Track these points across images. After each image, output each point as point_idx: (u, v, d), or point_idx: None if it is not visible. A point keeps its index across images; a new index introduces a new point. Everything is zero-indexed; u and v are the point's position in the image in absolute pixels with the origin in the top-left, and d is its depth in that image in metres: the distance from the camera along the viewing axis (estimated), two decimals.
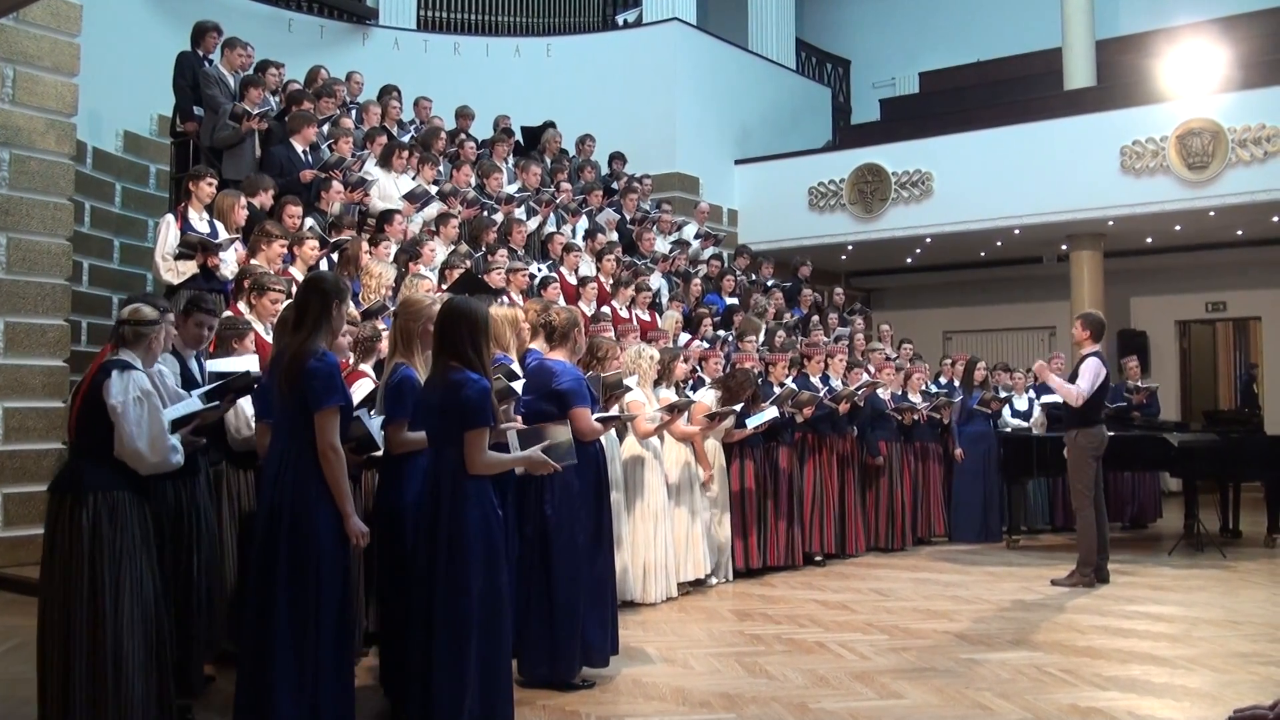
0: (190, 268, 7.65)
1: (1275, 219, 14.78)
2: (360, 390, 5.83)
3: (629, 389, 7.34)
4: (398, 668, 4.99)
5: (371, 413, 5.17)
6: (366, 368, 6.30)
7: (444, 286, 8.28)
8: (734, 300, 12.85)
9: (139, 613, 4.29)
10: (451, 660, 4.42)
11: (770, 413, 8.81)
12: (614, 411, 6.71)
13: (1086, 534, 8.90)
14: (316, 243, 8.02)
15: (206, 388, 4.90)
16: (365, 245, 8.37)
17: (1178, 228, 15.45)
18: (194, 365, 5.22)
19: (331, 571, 4.35)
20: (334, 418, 4.37)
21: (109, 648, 4.19)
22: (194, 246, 7.60)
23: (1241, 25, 16.66)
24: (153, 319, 4.50)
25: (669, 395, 8.27)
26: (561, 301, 9.38)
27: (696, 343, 10.34)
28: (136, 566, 4.29)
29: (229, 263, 7.84)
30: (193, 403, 4.68)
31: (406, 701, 4.59)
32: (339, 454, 4.37)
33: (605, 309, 10.19)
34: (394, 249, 8.68)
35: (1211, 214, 14.51)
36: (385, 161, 10.28)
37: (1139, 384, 12.85)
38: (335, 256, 8.35)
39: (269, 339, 6.38)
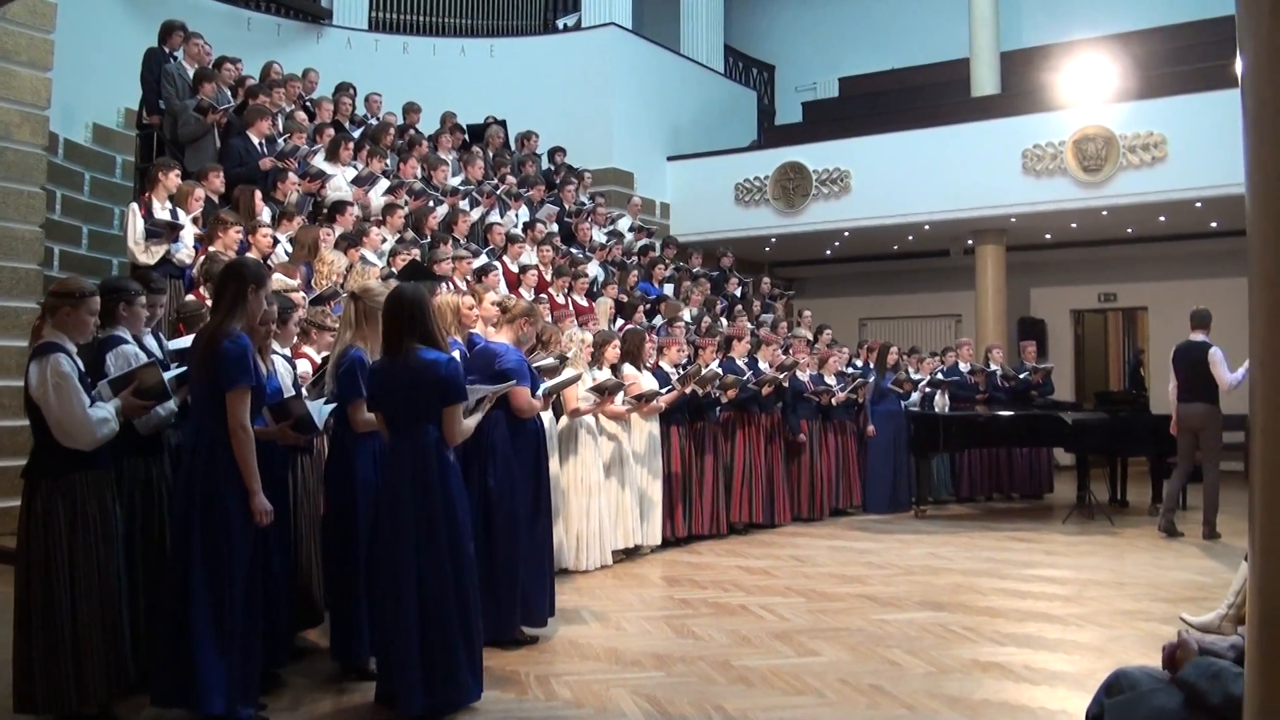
0: (162, 247, 7.67)
1: (1161, 218, 15.06)
2: (302, 370, 5.81)
3: (564, 373, 7.31)
4: (352, 636, 4.96)
5: (306, 395, 5.12)
6: (310, 350, 6.24)
7: (392, 273, 8.21)
8: (667, 289, 12.87)
9: (98, 594, 4.23)
10: (455, 629, 4.42)
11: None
12: (555, 382, 6.66)
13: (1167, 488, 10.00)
14: (270, 230, 7.95)
15: (174, 372, 4.82)
16: (323, 234, 8.30)
17: (1074, 225, 15.70)
18: (151, 342, 5.14)
19: (241, 546, 4.28)
20: (244, 398, 4.30)
21: (66, 631, 4.15)
22: (163, 227, 7.62)
23: (1134, 41, 16.93)
24: (71, 292, 4.35)
25: (603, 377, 8.28)
26: (503, 288, 9.36)
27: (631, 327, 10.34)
28: (93, 546, 4.24)
29: (185, 246, 7.76)
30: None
31: (402, 674, 4.44)
32: (248, 433, 4.30)
33: (544, 296, 10.16)
34: (335, 235, 8.62)
35: (1104, 213, 14.75)
36: (333, 155, 10.21)
37: (1036, 365, 13.11)
38: (290, 244, 8.27)
39: None
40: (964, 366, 12.90)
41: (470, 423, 4.75)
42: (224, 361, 4.27)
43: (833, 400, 11.29)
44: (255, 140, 9.47)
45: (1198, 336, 9.45)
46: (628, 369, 8.67)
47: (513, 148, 14.15)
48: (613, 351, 8.47)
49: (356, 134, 11.42)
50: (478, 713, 4.53)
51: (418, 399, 4.49)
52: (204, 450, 4.31)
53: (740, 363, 10.36)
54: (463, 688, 4.46)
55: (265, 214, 8.53)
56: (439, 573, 4.42)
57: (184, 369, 4.74)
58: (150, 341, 5.10)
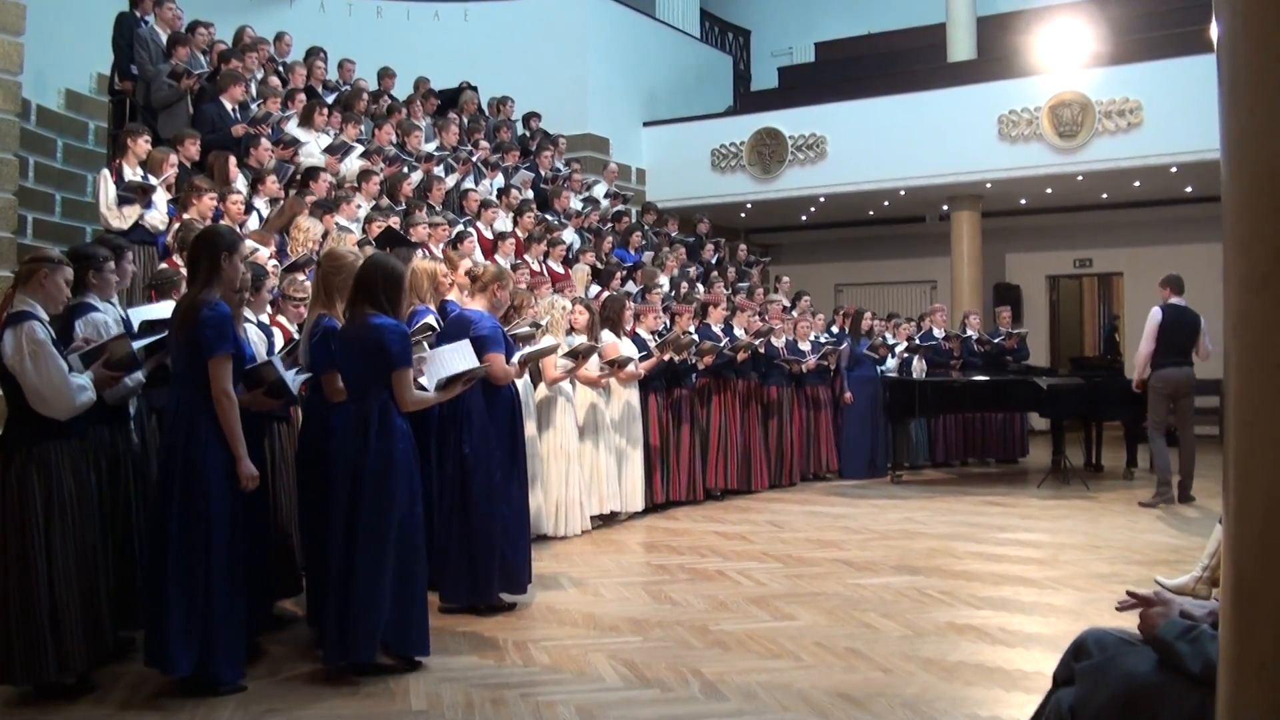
0: (134, 211, 7.64)
1: (1136, 184, 15.11)
2: (277, 338, 5.78)
3: (542, 340, 7.30)
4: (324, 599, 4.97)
5: (280, 361, 5.10)
6: (284, 319, 6.21)
7: (368, 240, 8.15)
8: (643, 255, 12.82)
9: (74, 563, 4.23)
10: (371, 587, 4.45)
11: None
12: (532, 349, 6.63)
13: (1158, 459, 9.54)
14: (241, 197, 7.89)
15: (143, 341, 4.78)
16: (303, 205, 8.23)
17: (1049, 190, 15.74)
18: (116, 309, 5.10)
19: (221, 513, 4.30)
20: (226, 364, 4.34)
21: (44, 602, 4.14)
22: (135, 189, 7.58)
23: (1109, 6, 16.89)
24: (50, 257, 4.39)
25: (580, 342, 8.24)
26: (479, 255, 9.31)
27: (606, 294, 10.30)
28: (69, 515, 4.23)
29: (158, 211, 7.69)
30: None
31: (324, 622, 4.59)
32: (232, 399, 4.34)
33: (520, 262, 10.11)
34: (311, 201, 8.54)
35: (1080, 178, 14.79)
36: (306, 120, 10.10)
37: (1010, 330, 13.18)
38: (266, 211, 8.20)
39: None
40: (938, 332, 12.95)
41: (430, 396, 4.82)
42: (205, 329, 4.30)
43: (803, 368, 11.31)
44: (229, 106, 9.36)
45: (1179, 301, 9.43)
46: (607, 335, 8.65)
47: (486, 113, 14.05)
48: (579, 318, 8.32)
49: (330, 99, 11.30)
50: (456, 679, 4.54)
51: (367, 363, 4.56)
52: (184, 418, 4.33)
53: (716, 329, 10.36)
54: (376, 648, 4.53)
55: (240, 180, 8.45)
56: (365, 531, 4.47)
57: (154, 339, 4.71)
58: (114, 309, 5.06)
